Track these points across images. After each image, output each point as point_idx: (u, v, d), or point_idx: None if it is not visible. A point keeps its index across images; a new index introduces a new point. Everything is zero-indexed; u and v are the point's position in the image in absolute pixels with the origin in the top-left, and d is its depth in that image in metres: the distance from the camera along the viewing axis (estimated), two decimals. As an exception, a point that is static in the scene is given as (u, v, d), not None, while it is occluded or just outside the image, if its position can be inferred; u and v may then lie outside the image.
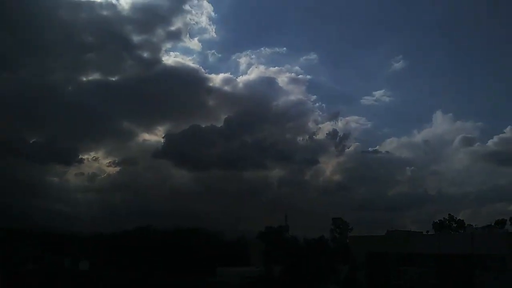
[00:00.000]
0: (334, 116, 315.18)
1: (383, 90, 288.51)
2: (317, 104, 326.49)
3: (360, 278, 54.80)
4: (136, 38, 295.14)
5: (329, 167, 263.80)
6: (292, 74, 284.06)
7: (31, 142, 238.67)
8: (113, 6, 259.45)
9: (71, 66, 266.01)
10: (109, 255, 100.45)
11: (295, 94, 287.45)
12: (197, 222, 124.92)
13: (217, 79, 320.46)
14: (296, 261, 43.24)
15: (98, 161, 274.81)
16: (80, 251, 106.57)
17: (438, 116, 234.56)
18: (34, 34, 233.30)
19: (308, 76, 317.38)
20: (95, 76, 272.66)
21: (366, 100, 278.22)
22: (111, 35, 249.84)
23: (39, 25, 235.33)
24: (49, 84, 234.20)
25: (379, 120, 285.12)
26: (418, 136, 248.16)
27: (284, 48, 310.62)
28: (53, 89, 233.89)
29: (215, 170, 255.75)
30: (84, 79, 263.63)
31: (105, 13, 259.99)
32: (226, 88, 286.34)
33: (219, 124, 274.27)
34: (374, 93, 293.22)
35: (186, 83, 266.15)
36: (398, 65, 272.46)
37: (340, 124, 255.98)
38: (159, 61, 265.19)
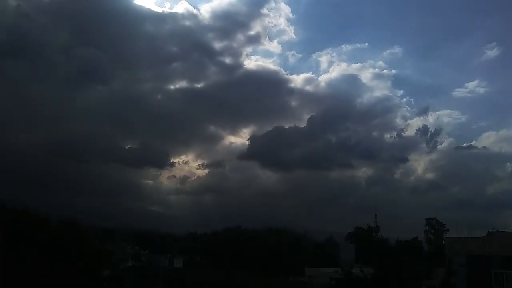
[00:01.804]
0: (423, 111, 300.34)
1: (477, 81, 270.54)
2: (404, 99, 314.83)
3: (457, 282, 51.44)
4: (217, 45, 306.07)
5: (420, 165, 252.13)
6: (376, 69, 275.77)
7: (126, 148, 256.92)
8: (194, 16, 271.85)
9: (159, 76, 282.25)
10: (201, 254, 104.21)
11: (380, 90, 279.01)
12: (285, 222, 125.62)
13: (298, 79, 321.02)
14: (388, 264, 41.41)
15: (188, 164, 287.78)
16: (175, 250, 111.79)
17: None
18: (123, 47, 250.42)
19: (393, 71, 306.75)
20: (181, 84, 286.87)
21: (459, 92, 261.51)
22: (194, 44, 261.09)
23: (127, 39, 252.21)
24: (140, 93, 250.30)
25: (474, 113, 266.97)
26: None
27: (366, 44, 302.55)
28: (144, 98, 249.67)
29: (301, 170, 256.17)
30: (172, 87, 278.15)
31: (187, 23, 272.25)
32: (308, 88, 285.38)
33: (302, 124, 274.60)
34: (467, 84, 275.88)
35: (268, 86, 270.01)
36: (491, 52, 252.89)
37: (430, 119, 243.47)
38: (240, 65, 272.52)
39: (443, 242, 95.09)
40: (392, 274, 38.02)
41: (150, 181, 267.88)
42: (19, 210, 42.34)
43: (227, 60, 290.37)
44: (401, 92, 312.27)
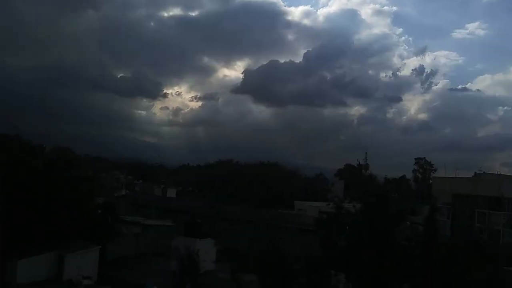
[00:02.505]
0: (421, 51, 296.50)
1: (478, 22, 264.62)
2: (403, 38, 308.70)
3: (442, 219, 53.33)
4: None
5: (413, 105, 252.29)
6: (376, 5, 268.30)
7: (118, 76, 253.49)
8: None
9: (152, 1, 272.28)
10: (193, 185, 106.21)
11: (379, 27, 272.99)
12: (276, 156, 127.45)
13: (296, 12, 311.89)
14: (374, 200, 42.11)
15: (181, 95, 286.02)
16: (168, 180, 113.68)
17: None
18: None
19: (394, 8, 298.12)
20: (175, 11, 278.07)
21: (458, 34, 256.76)
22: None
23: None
24: (132, 20, 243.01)
25: (471, 55, 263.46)
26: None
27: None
28: (136, 25, 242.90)
29: (294, 106, 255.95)
30: (165, 14, 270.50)
31: None
32: (306, 21, 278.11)
33: (298, 59, 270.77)
34: (467, 25, 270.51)
35: (265, 17, 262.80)
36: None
37: (427, 60, 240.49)
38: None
39: (430, 181, 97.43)
40: (378, 210, 38.85)
41: (142, 112, 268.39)
42: (11, 136, 42.24)
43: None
44: (400, 30, 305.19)
